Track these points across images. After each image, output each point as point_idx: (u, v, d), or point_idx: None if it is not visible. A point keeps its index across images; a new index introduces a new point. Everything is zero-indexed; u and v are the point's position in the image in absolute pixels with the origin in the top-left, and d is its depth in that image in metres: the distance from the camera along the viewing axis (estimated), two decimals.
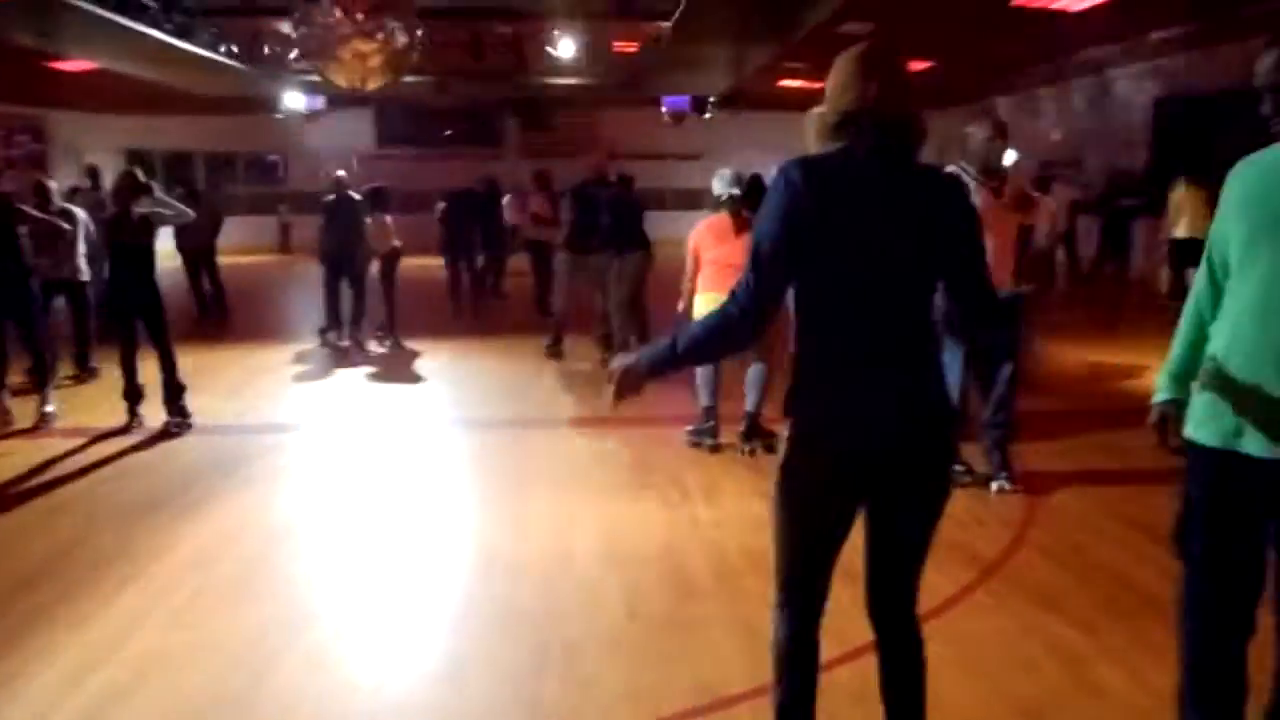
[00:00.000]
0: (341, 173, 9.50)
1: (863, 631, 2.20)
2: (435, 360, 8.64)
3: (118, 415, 6.18)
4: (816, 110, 2.27)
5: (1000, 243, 4.38)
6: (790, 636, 2.09)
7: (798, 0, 10.31)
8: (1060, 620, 3.28)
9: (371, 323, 9.61)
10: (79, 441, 5.80)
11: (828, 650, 2.18)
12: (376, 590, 3.68)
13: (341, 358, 8.88)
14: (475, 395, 7.30)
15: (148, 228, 6.04)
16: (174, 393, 6.08)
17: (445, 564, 3.94)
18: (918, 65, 15.95)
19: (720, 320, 1.92)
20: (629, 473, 5.15)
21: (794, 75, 16.10)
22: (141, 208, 6.03)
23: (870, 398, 1.91)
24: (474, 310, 11.55)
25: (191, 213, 6.68)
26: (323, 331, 9.38)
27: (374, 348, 9.21)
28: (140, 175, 6.16)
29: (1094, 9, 11.02)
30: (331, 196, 9.33)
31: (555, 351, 8.50)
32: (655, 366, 1.98)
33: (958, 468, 4.74)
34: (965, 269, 1.98)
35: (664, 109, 18.42)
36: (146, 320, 6.03)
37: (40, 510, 4.62)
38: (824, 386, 1.94)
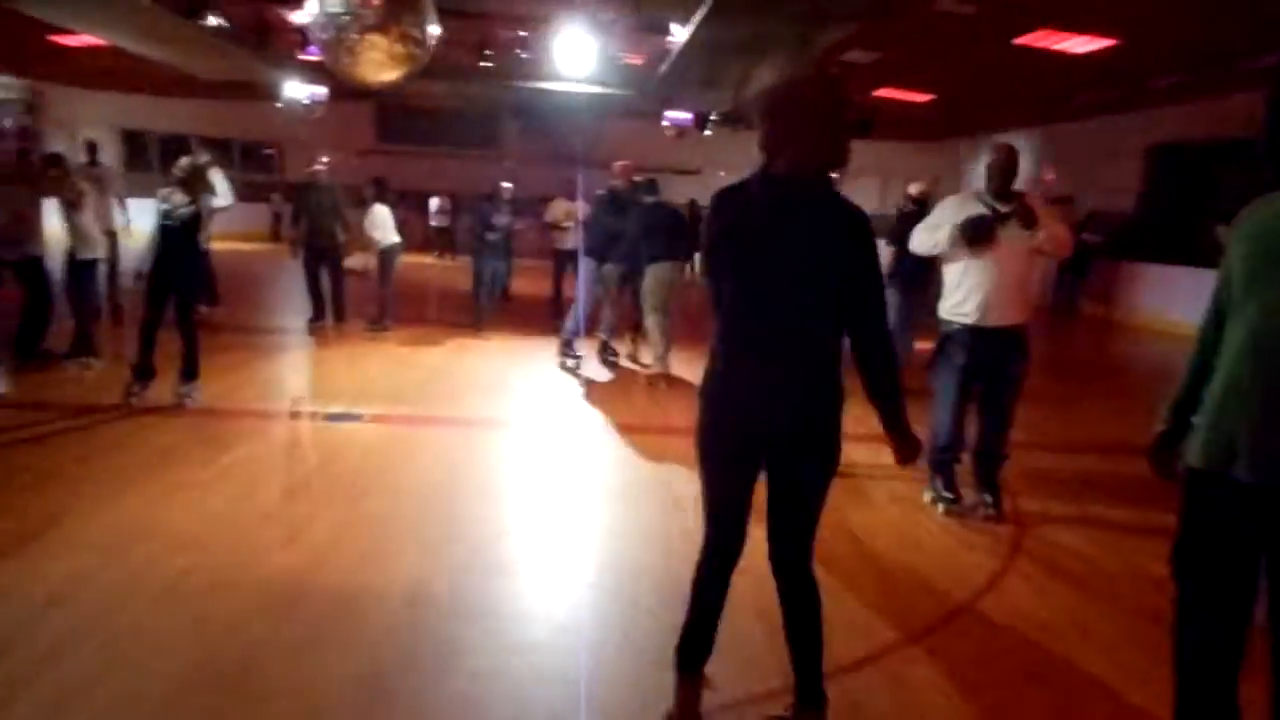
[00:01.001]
0: (324, 161, 9.49)
1: None
2: (430, 355, 8.61)
3: (105, 395, 6.13)
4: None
5: (1010, 273, 4.42)
6: (706, 566, 2.54)
7: (809, 24, 10.39)
8: (1042, 646, 3.30)
9: (363, 313, 9.60)
10: (69, 419, 5.76)
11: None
12: (361, 578, 3.65)
13: (327, 347, 8.84)
14: (464, 390, 7.27)
15: (196, 214, 6.14)
16: (192, 371, 6.25)
17: (439, 559, 3.92)
18: (919, 97, 16.11)
19: None
20: (618, 476, 5.16)
21: None
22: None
23: (759, 386, 2.33)
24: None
25: (232, 201, 6.79)
26: (310, 320, 9.36)
27: (364, 338, 9.18)
28: (205, 162, 6.26)
29: (1094, 53, 11.19)
30: (305, 186, 9.39)
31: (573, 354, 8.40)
32: None
33: (946, 495, 4.78)
34: (852, 293, 2.29)
35: (666, 122, 18.48)
36: (179, 300, 6.12)
37: (21, 483, 4.55)
38: (725, 375, 2.39)
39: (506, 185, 10.38)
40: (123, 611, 3.24)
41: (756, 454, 2.41)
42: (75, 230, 7.27)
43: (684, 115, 18.32)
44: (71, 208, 7.21)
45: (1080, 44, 10.93)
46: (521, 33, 13.93)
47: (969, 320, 4.51)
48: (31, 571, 3.52)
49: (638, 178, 8.18)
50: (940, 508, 4.77)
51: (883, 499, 4.98)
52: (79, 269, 7.29)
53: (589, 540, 4.22)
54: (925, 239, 4.64)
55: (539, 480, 5.12)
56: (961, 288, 4.53)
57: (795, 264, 2.26)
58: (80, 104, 20.60)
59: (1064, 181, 16.17)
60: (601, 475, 5.27)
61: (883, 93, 15.67)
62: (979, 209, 4.46)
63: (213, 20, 11.65)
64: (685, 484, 4.71)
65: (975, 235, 4.37)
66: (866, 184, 21.56)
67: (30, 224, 7.00)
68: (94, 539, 3.87)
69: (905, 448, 2.46)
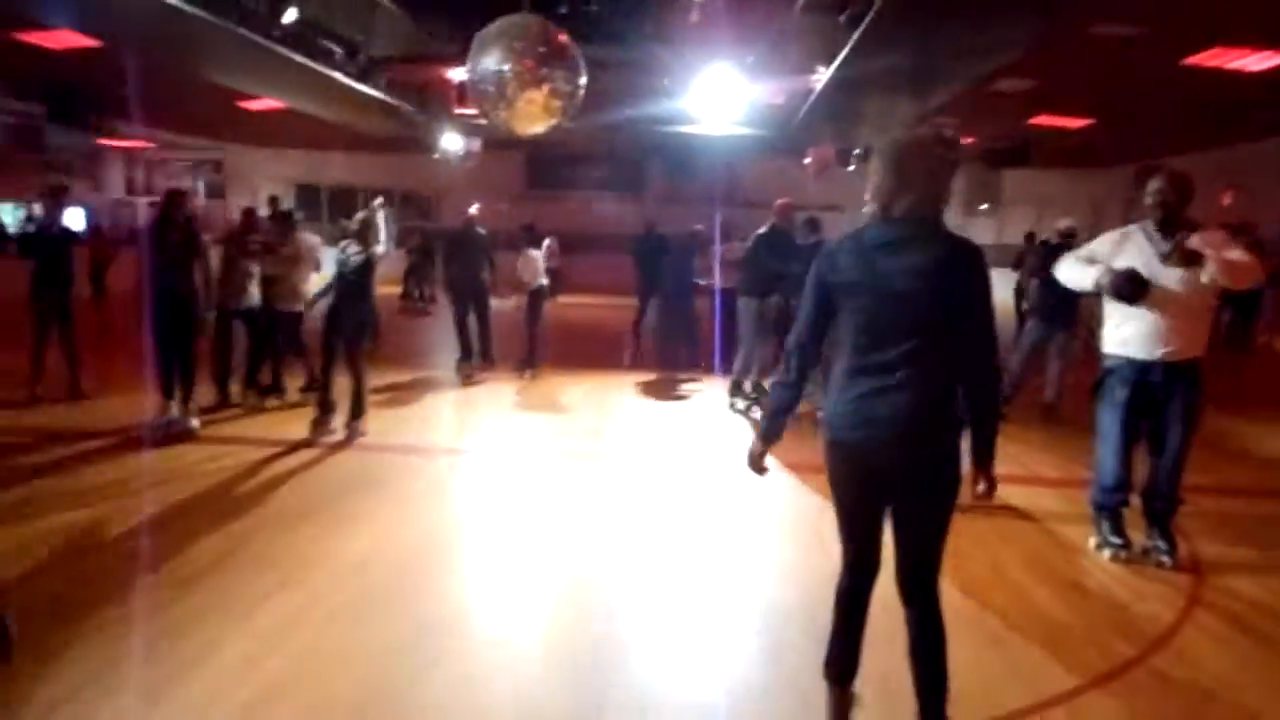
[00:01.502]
0: (473, 210, 9.97)
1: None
2: (576, 393, 8.84)
3: (291, 430, 6.61)
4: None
5: (1178, 303, 4.15)
6: (844, 590, 2.68)
7: (956, 56, 10.19)
8: (1223, 708, 3.07)
9: (513, 355, 9.96)
10: (254, 451, 6.24)
11: None
12: (511, 608, 3.79)
13: (475, 385, 9.21)
14: (610, 427, 7.42)
15: (369, 261, 6.63)
16: (359, 409, 6.72)
17: (579, 592, 4.01)
18: (1074, 123, 15.46)
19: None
20: (761, 515, 5.13)
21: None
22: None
23: (882, 418, 2.46)
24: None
25: (391, 248, 7.22)
26: (460, 361, 9.79)
27: (513, 378, 9.51)
28: (378, 214, 6.74)
29: (1273, 70, 10.48)
30: (458, 232, 9.86)
31: (744, 395, 8.26)
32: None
33: (1114, 540, 4.52)
34: (965, 324, 2.47)
35: (807, 160, 18.44)
36: (349, 343, 6.60)
37: (213, 513, 4.96)
38: (849, 407, 2.52)
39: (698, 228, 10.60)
40: (302, 630, 3.48)
41: (882, 483, 2.55)
42: (283, 286, 7.79)
43: (825, 151, 18.23)
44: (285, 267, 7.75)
45: (1256, 61, 10.26)
46: (665, 79, 14.27)
47: (1131, 353, 4.28)
48: (223, 592, 3.83)
49: (799, 216, 8.19)
50: (1107, 554, 4.51)
51: (1042, 544, 4.75)
52: (289, 319, 7.81)
53: (750, 581, 4.23)
54: (1075, 275, 4.39)
55: (689, 519, 5.16)
56: (1122, 318, 4.30)
57: (917, 298, 2.44)
58: (261, 161, 22.42)
59: (1244, 206, 15.10)
60: (766, 513, 5.27)
61: (1038, 120, 15.13)
62: (1139, 245, 4.24)
63: (379, 83, 12.49)
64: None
65: (1123, 298, 4.17)
66: (1023, 213, 20.79)
67: (251, 279, 7.65)
68: (277, 562, 4.18)
69: (985, 482, 2.58)
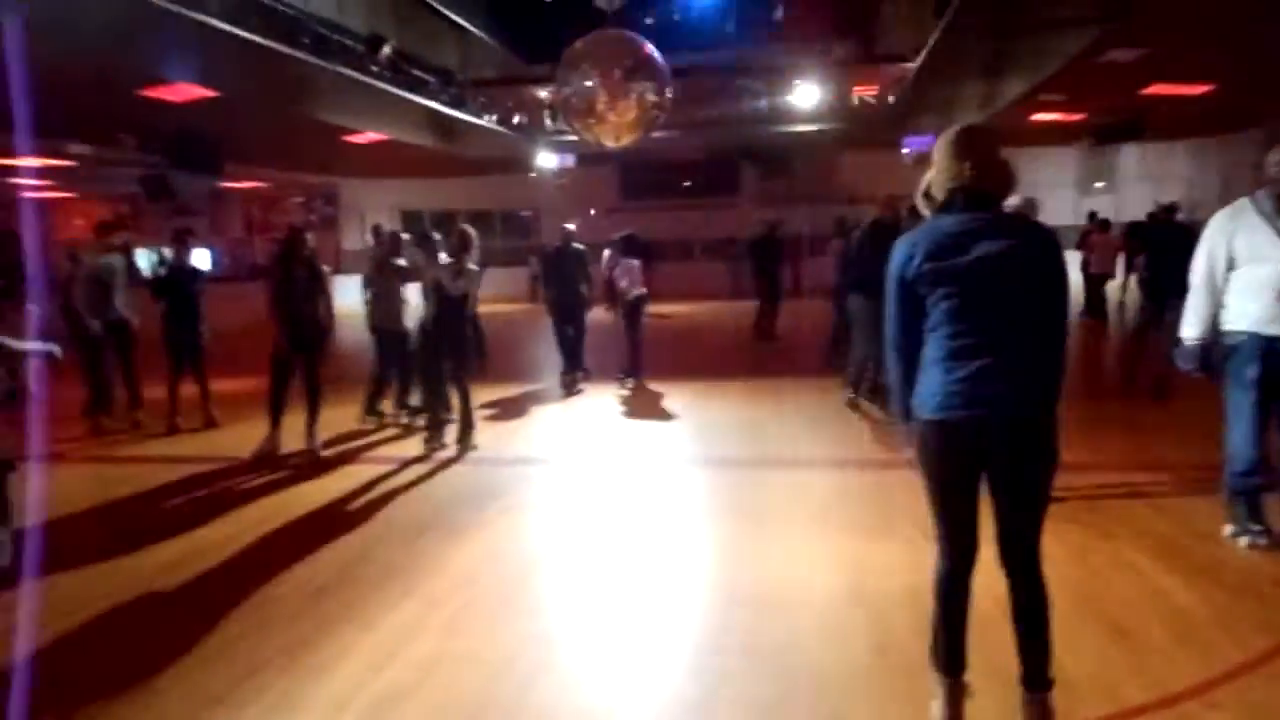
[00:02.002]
0: (571, 226, 10.14)
1: None
2: (678, 400, 8.89)
3: (406, 448, 6.87)
4: (926, 178, 2.76)
5: None
6: (944, 573, 2.71)
7: (1054, 30, 9.82)
8: None
9: (614, 366, 10.07)
10: (372, 469, 6.52)
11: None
12: (623, 617, 3.84)
13: (581, 398, 9.36)
14: (716, 434, 7.43)
15: (467, 279, 6.88)
16: (467, 424, 6.97)
17: (688, 596, 4.03)
18: (1193, 89, 14.66)
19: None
20: (873, 514, 5.06)
21: (1050, 108, 15.29)
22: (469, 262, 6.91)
23: (981, 394, 2.53)
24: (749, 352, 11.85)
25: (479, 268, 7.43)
26: (562, 373, 9.96)
27: (615, 388, 9.63)
28: (471, 233, 6.97)
29: None
30: (557, 247, 10.03)
31: (856, 404, 7.96)
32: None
33: (1254, 527, 4.28)
34: (1042, 301, 2.57)
35: (905, 150, 18.05)
36: (454, 360, 6.87)
37: (338, 529, 5.20)
38: (944, 386, 2.58)
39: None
40: (421, 638, 3.62)
41: (986, 459, 2.61)
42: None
43: (923, 139, 17.82)
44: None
45: None
46: (755, 80, 14.25)
47: (1257, 327, 4.05)
48: (348, 603, 4.01)
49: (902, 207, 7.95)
50: (1243, 541, 4.27)
51: (1172, 530, 4.52)
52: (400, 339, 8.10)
53: (855, 575, 4.18)
54: (1196, 269, 4.28)
55: (794, 519, 5.12)
56: (1246, 290, 4.08)
57: (1006, 280, 2.54)
58: (369, 192, 23.34)
59: None
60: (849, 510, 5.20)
61: (1153, 90, 14.39)
62: (1252, 225, 4.02)
63: (473, 108, 12.86)
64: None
65: (1194, 371, 4.30)
66: (1141, 190, 19.83)
67: (403, 301, 7.96)
68: (397, 574, 4.35)
69: None
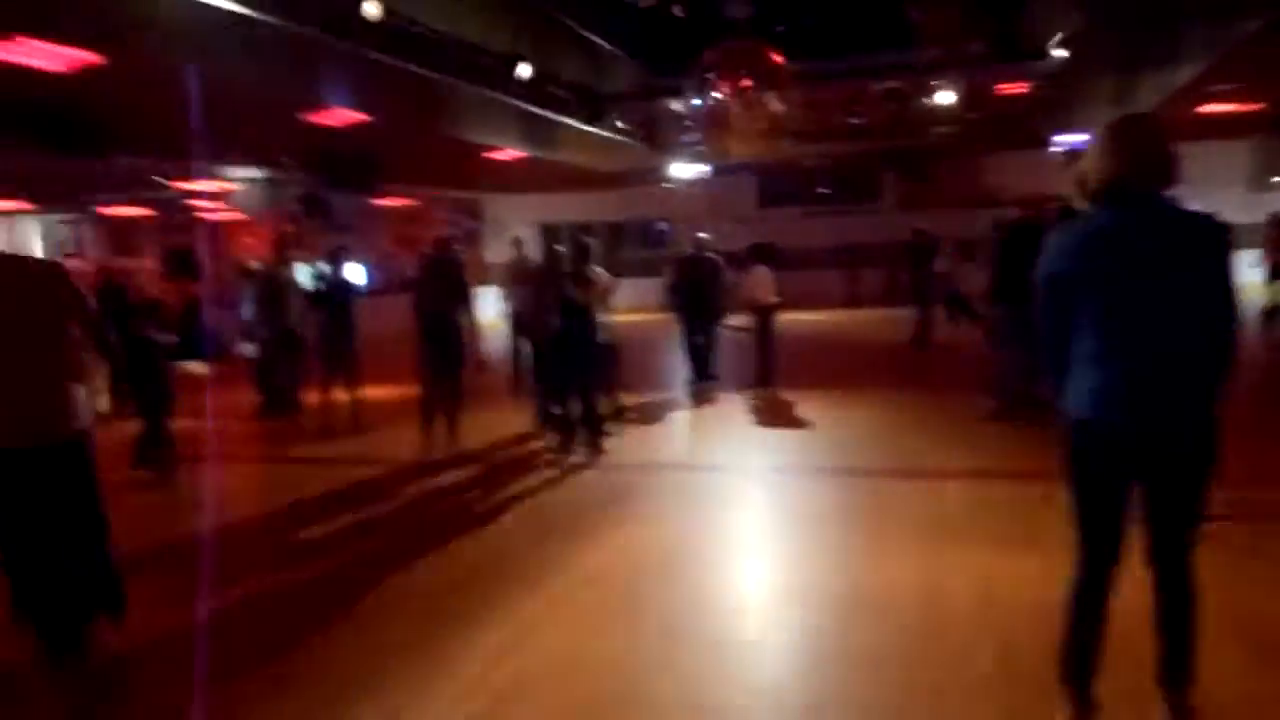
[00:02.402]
0: (703, 235, 10.18)
1: None
2: (812, 409, 8.79)
3: (538, 452, 7.11)
4: (1081, 171, 2.62)
5: None
6: (1081, 583, 2.63)
7: (1224, 11, 9.14)
8: None
9: (744, 374, 10.06)
10: (506, 473, 6.78)
11: None
12: (744, 620, 3.86)
13: (711, 406, 9.38)
14: (850, 443, 7.31)
15: (592, 289, 7.12)
16: (597, 431, 7.16)
17: (809, 600, 4.01)
18: None
19: None
20: (1010, 526, 4.87)
21: (1221, 99, 14.26)
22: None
23: (1140, 397, 2.45)
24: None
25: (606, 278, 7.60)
26: (692, 382, 10.01)
27: (745, 396, 9.60)
28: (589, 244, 7.20)
29: None
30: (688, 256, 10.08)
31: (1003, 413, 7.47)
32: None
33: None
34: (1205, 300, 2.43)
35: (1055, 148, 17.22)
36: (582, 369, 7.06)
37: (471, 529, 5.43)
38: (1099, 389, 2.50)
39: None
40: (544, 634, 3.75)
41: (1130, 466, 2.53)
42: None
43: (1075, 136, 16.95)
44: None
45: None
46: (891, 83, 13.95)
47: None
48: (478, 598, 4.19)
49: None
50: None
51: None
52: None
53: (981, 585, 4.05)
54: None
55: (920, 528, 5.00)
56: None
57: (1166, 278, 2.43)
58: (511, 207, 24.13)
59: None
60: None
61: None
62: None
63: (608, 122, 13.14)
64: None
65: None
66: None
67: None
68: (524, 573, 4.51)
69: None
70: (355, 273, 14.83)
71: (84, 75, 8.25)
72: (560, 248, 8.12)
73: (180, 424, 7.23)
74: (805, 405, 9.02)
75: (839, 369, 11.51)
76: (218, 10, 7.93)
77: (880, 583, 4.16)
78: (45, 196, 15.01)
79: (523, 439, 7.87)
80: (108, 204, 16.35)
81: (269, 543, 5.36)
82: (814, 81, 13.58)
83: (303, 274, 10.34)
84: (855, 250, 22.04)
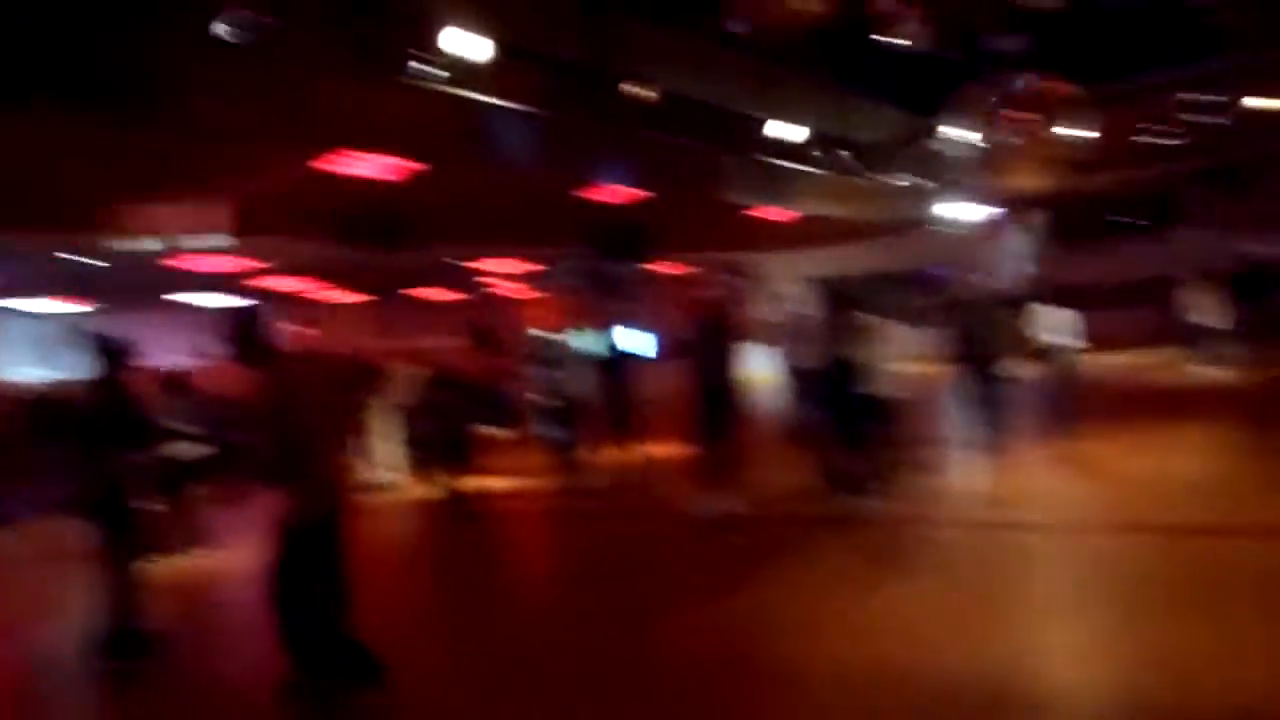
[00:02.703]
0: (983, 276, 9.60)
1: None
2: (1121, 458, 7.99)
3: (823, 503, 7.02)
4: None
5: None
6: None
7: None
8: None
9: (1038, 424, 9.31)
10: (790, 524, 6.69)
11: None
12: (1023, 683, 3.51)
13: (1004, 457, 8.72)
14: (1169, 496, 6.53)
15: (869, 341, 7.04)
16: (881, 482, 7.01)
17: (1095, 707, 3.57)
18: None
19: None
20: None
21: None
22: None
23: None
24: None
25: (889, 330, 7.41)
26: (978, 432, 9.35)
27: (1043, 445, 8.86)
28: (851, 295, 7.14)
29: None
30: (967, 301, 9.50)
31: None
32: None
33: None
34: None
35: None
36: (863, 420, 6.94)
37: (751, 579, 5.40)
38: None
39: None
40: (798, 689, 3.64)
41: None
42: None
43: None
44: None
45: None
46: (1196, 96, 12.58)
47: None
48: (787, 649, 4.15)
49: None
50: None
51: None
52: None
53: None
54: None
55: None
56: None
57: None
58: (780, 264, 24.26)
59: None
60: None
61: None
62: None
63: (879, 168, 12.91)
64: None
65: None
66: None
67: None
68: (800, 622, 4.41)
69: None
70: (638, 339, 15.55)
71: (406, 180, 9.43)
72: (832, 301, 8.03)
73: (480, 483, 7.87)
74: (1116, 454, 8.18)
75: (1152, 414, 10.33)
76: (510, 110, 8.76)
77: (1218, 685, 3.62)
78: (368, 287, 17.12)
79: (804, 495, 7.75)
80: (419, 288, 18.38)
81: (551, 593, 5.65)
82: (1108, 104, 12.53)
83: (584, 341, 11.00)
84: (1161, 283, 19.86)
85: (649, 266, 19.73)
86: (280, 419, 3.91)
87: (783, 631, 4.49)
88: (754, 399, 8.35)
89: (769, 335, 11.60)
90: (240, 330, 4.00)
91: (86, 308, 13.62)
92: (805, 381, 8.30)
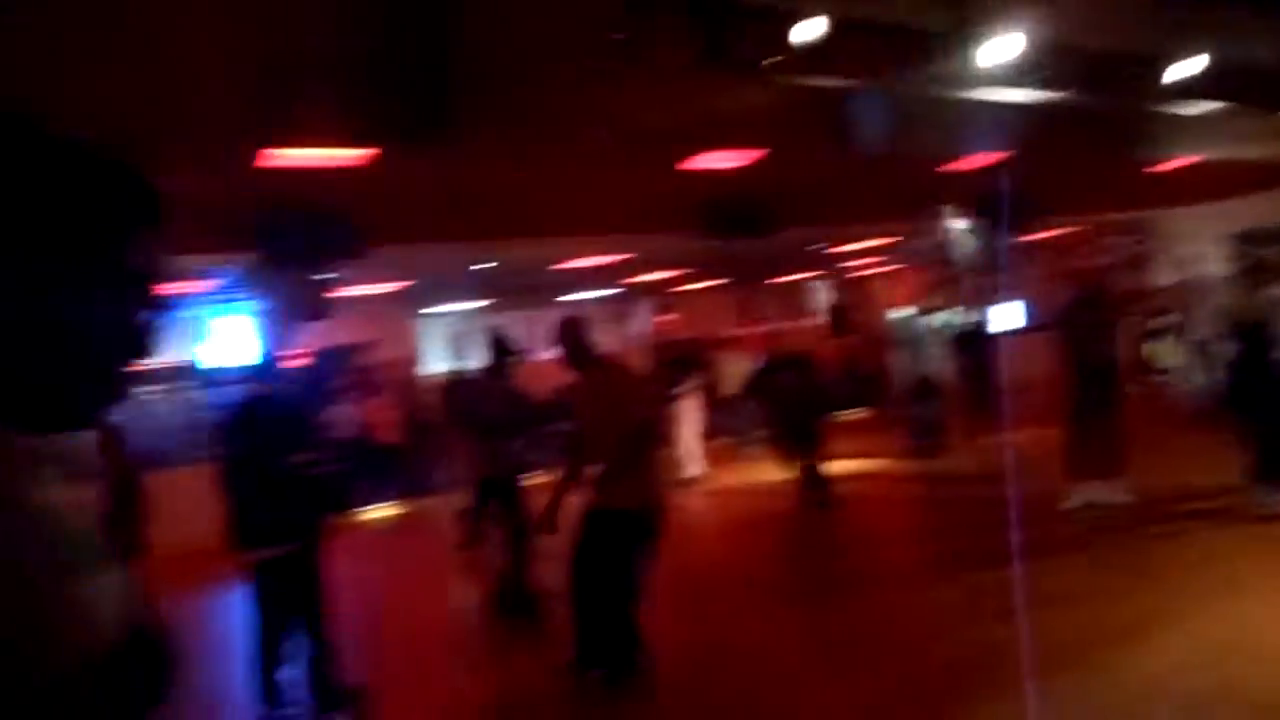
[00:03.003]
0: None
1: None
2: None
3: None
4: None
5: None
6: None
7: None
8: None
9: None
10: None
11: None
12: None
13: None
14: None
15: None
16: None
17: None
18: None
19: None
20: None
21: None
22: None
23: None
24: None
25: None
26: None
27: None
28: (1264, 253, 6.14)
29: None
30: None
31: None
32: None
33: None
34: None
35: None
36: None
37: (1122, 569, 4.84)
38: None
39: None
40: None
41: None
42: None
43: None
44: None
45: None
46: None
47: None
48: (1128, 662, 3.72)
49: None
50: None
51: None
52: None
53: None
54: None
55: None
56: None
57: None
58: (1182, 221, 21.20)
59: None
60: None
61: None
62: None
63: None
64: None
65: None
66: None
67: None
68: (1187, 643, 3.88)
69: None
70: (1009, 314, 14.51)
71: (768, 170, 9.63)
72: (1247, 260, 6.89)
73: (838, 466, 7.85)
74: None
75: None
76: (865, 90, 8.56)
77: None
78: (728, 274, 17.68)
79: (1208, 489, 6.76)
80: (778, 274, 18.64)
81: (902, 583, 5.48)
82: None
83: (948, 319, 10.48)
84: None
85: (1027, 235, 18.29)
86: (598, 416, 4.25)
87: (1150, 643, 4.00)
88: (1144, 377, 7.45)
89: (1170, 303, 10.27)
90: (568, 337, 4.41)
91: (482, 305, 15.62)
92: (1214, 357, 7.22)
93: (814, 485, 7.55)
